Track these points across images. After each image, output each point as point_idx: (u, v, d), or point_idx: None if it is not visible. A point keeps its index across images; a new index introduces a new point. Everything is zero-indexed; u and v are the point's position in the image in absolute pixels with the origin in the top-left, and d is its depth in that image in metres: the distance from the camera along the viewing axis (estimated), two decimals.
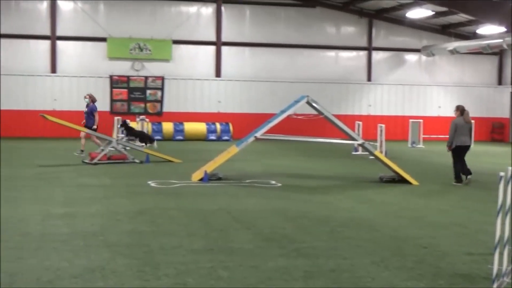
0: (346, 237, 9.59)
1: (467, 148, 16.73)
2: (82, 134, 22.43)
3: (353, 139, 17.59)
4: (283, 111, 17.27)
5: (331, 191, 14.79)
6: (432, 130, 33.83)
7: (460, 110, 16.87)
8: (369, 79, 36.94)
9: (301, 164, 21.24)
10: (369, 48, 36.81)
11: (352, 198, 13.71)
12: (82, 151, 22.18)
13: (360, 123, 27.57)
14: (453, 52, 33.73)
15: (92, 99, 22.86)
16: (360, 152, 24.67)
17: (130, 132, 23.31)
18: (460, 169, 16.64)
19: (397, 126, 35.17)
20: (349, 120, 29.19)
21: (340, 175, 18.14)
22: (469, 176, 16.58)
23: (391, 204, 12.97)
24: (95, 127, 22.01)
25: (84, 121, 22.40)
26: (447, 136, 16.81)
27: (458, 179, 16.59)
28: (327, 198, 13.61)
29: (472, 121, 17.67)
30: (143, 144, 23.36)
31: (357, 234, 9.82)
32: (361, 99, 36.64)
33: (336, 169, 19.88)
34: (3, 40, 32.75)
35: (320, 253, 8.52)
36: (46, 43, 33.33)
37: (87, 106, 22.61)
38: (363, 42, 36.79)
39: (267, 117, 19.06)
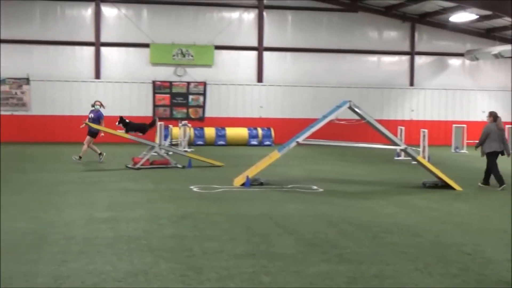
0: (389, 243, 9.51)
1: (498, 154, 16.77)
2: (88, 140, 22.19)
3: (396, 144, 17.46)
4: (325, 116, 17.22)
5: (374, 197, 14.69)
6: (475, 135, 33.05)
7: (493, 116, 16.95)
8: (411, 83, 36.60)
9: (343, 169, 21.14)
10: (411, 53, 36.48)
11: (394, 203, 13.60)
12: (100, 154, 22.24)
13: (403, 128, 27.33)
14: (498, 56, 33.23)
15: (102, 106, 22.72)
16: (402, 157, 24.47)
17: (130, 127, 22.47)
18: (496, 173, 16.59)
19: (440, 131, 34.72)
20: (392, 125, 28.94)
21: (382, 181, 18.00)
22: (503, 186, 16.40)
23: (434, 210, 12.83)
24: (102, 134, 22.03)
25: (84, 125, 22.14)
26: None
27: (500, 181, 16.50)
28: (369, 203, 13.52)
29: (507, 126, 17.53)
30: (142, 133, 22.57)
31: (400, 240, 9.74)
32: (403, 104, 36.32)
33: (378, 174, 19.75)
34: (49, 47, 33.31)
35: (363, 258, 8.47)
36: (91, 49, 33.76)
37: (96, 112, 22.49)
38: (406, 47, 36.48)
39: (309, 122, 19.00)
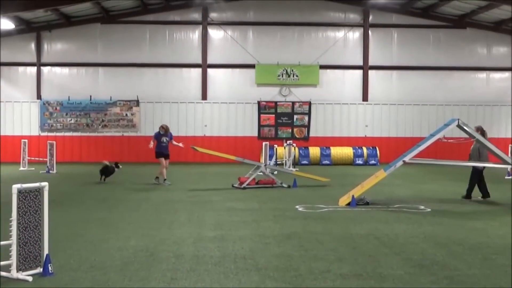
0: (501, 265, 9.20)
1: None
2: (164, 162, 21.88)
3: (506, 162, 16.93)
4: (432, 135, 16.92)
5: (484, 217, 14.26)
6: None
7: (481, 130, 17.33)
8: None
9: (451, 188, 20.64)
10: None
11: (506, 224, 13.14)
12: (164, 179, 21.69)
13: None
14: None
15: (165, 129, 22.54)
16: None
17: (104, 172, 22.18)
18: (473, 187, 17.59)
19: None
20: (502, 143, 28.13)
21: (492, 200, 17.46)
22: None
23: None
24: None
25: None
26: None
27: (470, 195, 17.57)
28: (479, 224, 13.13)
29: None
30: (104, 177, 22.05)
31: None
32: None
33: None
34: (158, 69, 34.31)
35: (474, 281, 8.23)
36: (198, 71, 34.55)
37: (165, 135, 22.35)
38: None
39: (415, 141, 18.72)
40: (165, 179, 21.51)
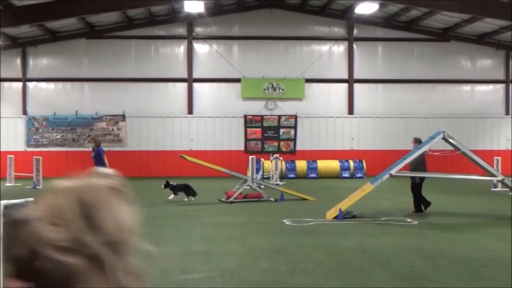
0: (488, 277, 9.26)
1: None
2: None
3: (492, 175, 17.06)
4: (418, 148, 17.01)
5: (470, 229, 14.34)
6: None
7: (418, 141, 17.76)
8: (507, 112, 35.74)
9: (438, 201, 20.68)
10: (507, 81, 35.66)
11: (492, 236, 13.22)
12: None
13: (499, 158, 26.57)
14: None
15: (97, 143, 22.22)
16: (499, 188, 23.82)
17: (176, 189, 21.10)
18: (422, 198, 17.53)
19: None
20: (487, 155, 28.20)
21: (479, 213, 17.56)
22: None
23: None
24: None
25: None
26: None
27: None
28: (465, 236, 13.21)
29: None
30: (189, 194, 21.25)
31: (500, 275, 9.46)
32: (499, 134, 35.44)
33: (474, 206, 19.27)
34: (143, 84, 34.33)
35: None
36: (183, 85, 34.58)
37: (93, 150, 21.95)
38: (500, 75, 35.73)
39: (401, 154, 18.82)
40: None
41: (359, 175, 32.51)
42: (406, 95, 35.42)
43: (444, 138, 16.44)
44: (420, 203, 17.41)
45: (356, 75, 35.24)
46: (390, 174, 16.41)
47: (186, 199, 20.28)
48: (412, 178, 17.35)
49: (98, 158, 21.57)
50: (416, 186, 17.40)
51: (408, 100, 35.34)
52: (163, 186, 20.70)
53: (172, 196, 20.38)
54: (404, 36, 35.24)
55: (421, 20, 33.73)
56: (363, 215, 16.33)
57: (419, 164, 17.13)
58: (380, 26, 35.09)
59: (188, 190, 20.67)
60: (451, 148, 17.06)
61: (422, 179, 17.38)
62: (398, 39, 35.30)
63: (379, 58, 35.57)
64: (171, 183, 20.65)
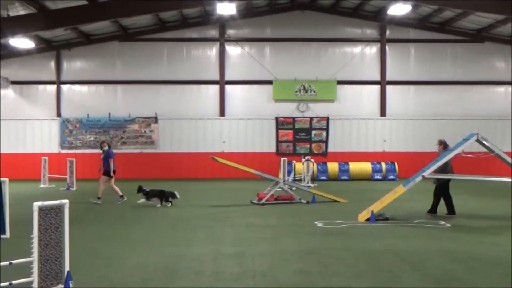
0: None
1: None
2: (103, 179, 21.25)
3: None
4: (451, 150, 16.87)
5: (504, 232, 14.16)
6: None
7: (444, 144, 17.74)
8: None
9: (471, 204, 20.53)
10: None
11: None
12: (99, 198, 20.92)
13: None
14: None
15: (104, 145, 21.90)
16: None
17: (150, 194, 20.16)
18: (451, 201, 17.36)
19: None
20: None
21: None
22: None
23: None
24: (112, 174, 21.08)
25: (101, 167, 21.41)
26: None
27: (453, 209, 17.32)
28: (499, 239, 13.05)
29: None
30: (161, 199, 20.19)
31: None
32: None
33: (508, 209, 19.02)
34: (176, 86, 34.52)
35: None
36: (215, 87, 34.71)
37: (103, 152, 21.66)
38: None
39: (433, 156, 18.65)
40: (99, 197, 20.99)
41: (391, 177, 32.33)
42: (439, 96, 35.17)
43: (477, 140, 16.27)
44: (452, 204, 17.31)
45: (389, 77, 35.08)
46: (423, 176, 16.28)
47: (159, 205, 19.43)
48: (437, 180, 17.24)
49: (105, 161, 21.38)
50: (442, 188, 17.28)
51: (441, 102, 35.08)
52: (136, 191, 19.85)
53: (142, 200, 19.68)
54: (437, 37, 34.99)
55: (454, 21, 33.45)
56: (396, 218, 16.23)
57: (444, 166, 17.00)
58: (413, 27, 34.89)
59: (163, 196, 19.80)
60: (484, 150, 16.87)
61: (448, 180, 17.25)
62: (431, 40, 35.07)
63: (411, 59, 35.35)
64: (144, 188, 19.87)
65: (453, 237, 13.32)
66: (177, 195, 20.02)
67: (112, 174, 21.15)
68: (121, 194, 21.11)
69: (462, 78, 35.12)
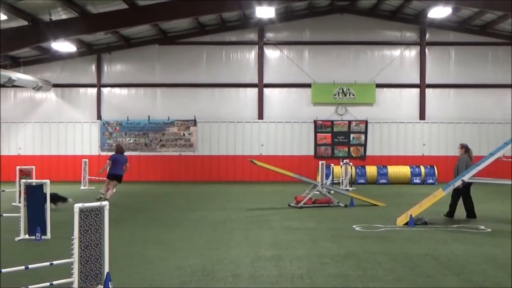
0: None
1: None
2: (113, 184, 21.66)
3: None
4: (492, 154, 16.69)
5: None
6: None
7: (465, 148, 17.75)
8: None
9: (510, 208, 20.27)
10: None
11: None
12: (103, 195, 21.37)
13: None
14: None
15: (117, 149, 22.29)
16: None
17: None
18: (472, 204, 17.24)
19: None
20: None
21: None
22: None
23: None
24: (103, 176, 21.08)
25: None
26: None
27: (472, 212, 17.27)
28: None
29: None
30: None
31: None
32: None
33: None
34: (215, 89, 34.69)
35: None
36: (254, 91, 34.78)
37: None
38: None
39: (474, 160, 18.46)
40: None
41: (430, 181, 32.07)
42: (479, 100, 34.78)
43: None
44: (473, 208, 17.31)
45: (428, 80, 34.80)
46: (463, 181, 16.14)
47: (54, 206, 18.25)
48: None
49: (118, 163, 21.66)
50: (463, 192, 17.12)
51: (481, 106, 34.69)
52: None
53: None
54: (477, 40, 34.62)
55: (495, 24, 33.05)
56: (435, 222, 16.11)
57: (463, 169, 16.88)
58: (453, 30, 34.57)
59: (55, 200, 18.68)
60: None
61: (470, 183, 17.08)
62: (471, 43, 34.71)
63: (451, 62, 35.02)
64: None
65: (494, 242, 13.17)
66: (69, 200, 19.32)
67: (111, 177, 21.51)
68: (105, 197, 20.91)
69: (503, 81, 34.66)
